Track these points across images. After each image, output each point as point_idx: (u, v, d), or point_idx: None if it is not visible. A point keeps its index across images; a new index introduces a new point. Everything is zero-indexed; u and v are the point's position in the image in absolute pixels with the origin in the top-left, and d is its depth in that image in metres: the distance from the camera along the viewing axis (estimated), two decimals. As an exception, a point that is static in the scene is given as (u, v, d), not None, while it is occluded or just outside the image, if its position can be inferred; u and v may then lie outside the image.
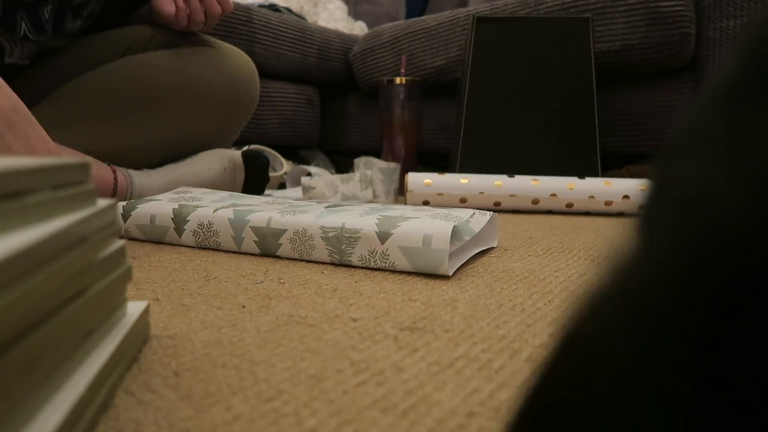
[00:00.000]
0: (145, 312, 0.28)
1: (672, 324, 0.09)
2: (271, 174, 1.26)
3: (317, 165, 1.67)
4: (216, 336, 0.29)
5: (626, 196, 0.89)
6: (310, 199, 1.10)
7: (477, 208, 0.93)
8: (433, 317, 0.33)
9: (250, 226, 0.52)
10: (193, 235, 0.55)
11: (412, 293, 0.38)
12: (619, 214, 0.92)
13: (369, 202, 1.08)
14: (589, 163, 1.10)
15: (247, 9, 1.42)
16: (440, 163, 1.70)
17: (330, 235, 0.48)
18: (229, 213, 0.53)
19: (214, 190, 0.68)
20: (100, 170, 0.74)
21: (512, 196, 0.91)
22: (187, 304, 0.35)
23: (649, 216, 0.11)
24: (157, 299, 0.36)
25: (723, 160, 0.10)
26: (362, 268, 0.46)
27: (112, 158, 0.79)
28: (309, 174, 1.36)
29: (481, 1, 2.04)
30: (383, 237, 0.45)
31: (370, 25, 2.18)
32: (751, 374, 0.08)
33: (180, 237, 0.56)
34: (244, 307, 0.35)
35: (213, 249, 0.55)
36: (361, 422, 0.20)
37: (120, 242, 0.25)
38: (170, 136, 0.85)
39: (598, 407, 0.09)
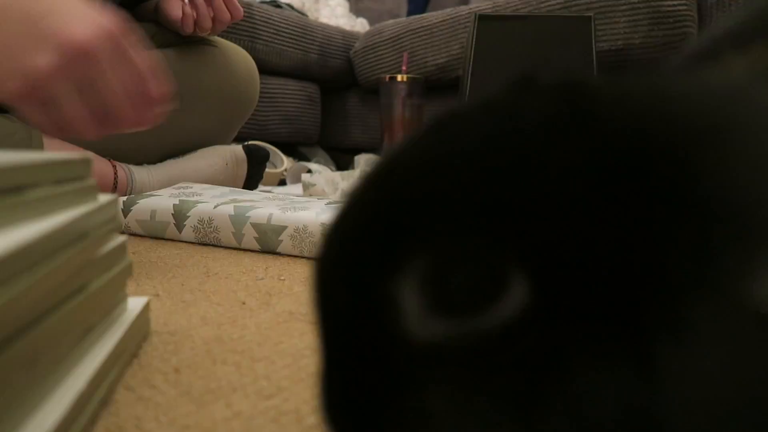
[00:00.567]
0: (146, 308, 0.28)
1: None
2: (271, 170, 1.25)
3: (318, 162, 1.67)
4: (216, 332, 0.29)
5: (627, 196, 0.88)
6: (311, 196, 1.10)
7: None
8: (433, 315, 0.33)
9: (250, 223, 0.52)
10: (193, 230, 0.55)
11: (413, 291, 0.38)
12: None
13: None
14: (590, 162, 1.10)
15: (248, 5, 1.42)
16: (441, 161, 1.69)
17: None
18: (229, 209, 0.53)
19: (215, 186, 0.68)
20: (101, 165, 0.73)
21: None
22: (187, 300, 0.35)
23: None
24: (158, 295, 0.36)
25: None
26: None
27: (112, 154, 0.79)
28: (309, 171, 1.36)
29: (482, -1, 2.03)
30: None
31: (371, 22, 2.18)
32: None
33: (180, 233, 0.56)
34: (244, 303, 0.35)
35: (213, 245, 0.55)
36: (362, 420, 0.20)
37: (121, 238, 0.25)
38: (170, 133, 0.85)
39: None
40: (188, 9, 0.79)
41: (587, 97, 0.12)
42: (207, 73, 0.86)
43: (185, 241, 0.56)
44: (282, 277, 0.42)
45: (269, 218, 0.51)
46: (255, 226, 0.51)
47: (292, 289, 0.39)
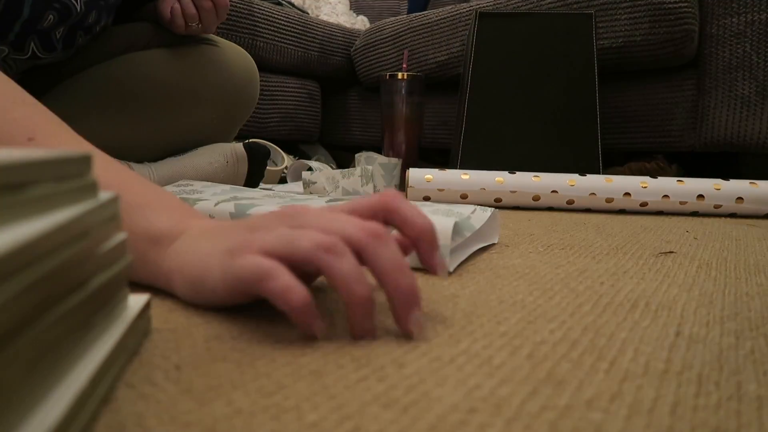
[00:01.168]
0: (147, 305, 0.28)
1: None
2: (271, 168, 1.25)
3: (318, 160, 1.67)
4: (217, 330, 0.29)
5: (627, 194, 0.88)
6: (311, 193, 1.10)
7: (478, 204, 0.93)
8: (434, 313, 0.33)
9: None
10: None
11: (413, 289, 0.38)
12: (621, 212, 0.92)
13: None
14: (591, 159, 1.10)
15: (249, 2, 1.42)
16: (441, 159, 1.70)
17: None
18: (230, 206, 0.53)
19: (216, 183, 0.68)
20: None
21: (513, 192, 0.91)
22: (187, 297, 0.35)
23: None
24: (158, 293, 0.36)
25: None
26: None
27: (112, 152, 0.79)
28: (310, 169, 1.36)
29: (483, -3, 2.02)
30: None
31: (372, 20, 2.17)
32: None
33: None
34: (244, 301, 0.35)
35: None
36: (362, 417, 0.20)
37: (121, 235, 0.25)
38: (170, 132, 0.85)
39: None
40: (177, 6, 0.79)
41: None
42: (207, 72, 0.86)
43: None
44: (282, 275, 0.42)
45: None
46: None
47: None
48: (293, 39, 1.55)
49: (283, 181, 1.36)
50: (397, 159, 1.16)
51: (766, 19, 1.12)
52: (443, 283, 0.40)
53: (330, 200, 0.56)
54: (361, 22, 2.11)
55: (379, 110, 1.44)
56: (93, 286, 0.21)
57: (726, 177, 0.92)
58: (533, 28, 1.14)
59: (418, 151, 1.40)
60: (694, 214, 0.90)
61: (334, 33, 1.68)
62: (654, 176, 0.91)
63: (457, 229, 0.48)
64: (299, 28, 1.56)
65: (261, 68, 1.42)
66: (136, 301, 0.27)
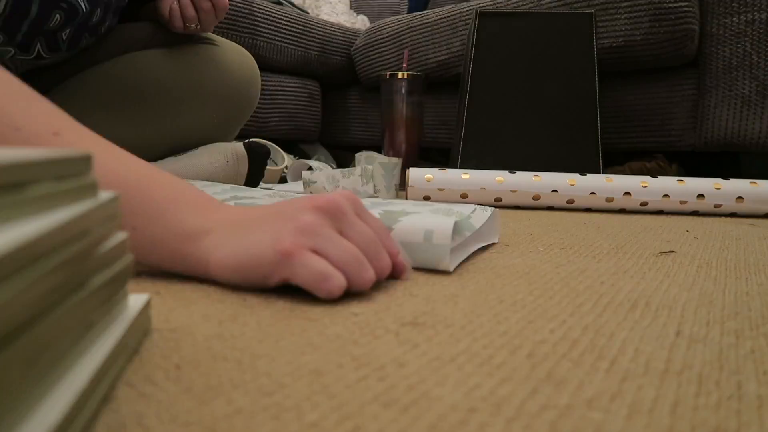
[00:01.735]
0: (147, 305, 0.28)
1: None
2: (272, 168, 1.25)
3: (318, 159, 1.67)
4: (217, 329, 0.29)
5: (627, 193, 0.88)
6: (311, 193, 1.10)
7: (478, 204, 0.93)
8: (434, 312, 0.33)
9: None
10: None
11: (413, 288, 0.38)
12: (621, 211, 0.92)
13: (370, 196, 1.08)
14: (591, 159, 1.10)
15: (249, 2, 1.42)
16: (441, 159, 1.70)
17: None
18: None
19: (216, 183, 0.68)
20: None
21: (513, 192, 0.91)
22: (188, 297, 0.35)
23: None
24: (158, 292, 0.36)
25: None
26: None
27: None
28: (310, 168, 1.36)
29: (483, -4, 2.02)
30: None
31: (372, 19, 2.17)
32: None
33: None
34: (245, 300, 0.35)
35: None
36: (363, 417, 0.20)
37: (121, 235, 0.25)
38: (171, 132, 0.85)
39: None
40: (176, 6, 0.79)
41: None
42: (208, 71, 0.86)
43: None
44: (283, 274, 0.42)
45: None
46: None
47: (292, 286, 0.39)
48: (293, 38, 1.54)
49: (283, 180, 1.36)
50: (397, 158, 1.16)
51: (766, 18, 1.12)
52: (443, 282, 0.41)
53: None
54: (361, 22, 2.11)
55: (379, 110, 1.44)
56: (93, 286, 0.21)
57: (726, 176, 0.92)
58: (533, 27, 1.14)
59: (419, 150, 1.40)
60: (695, 213, 0.90)
61: (334, 32, 1.68)
62: (654, 176, 0.91)
63: (457, 229, 0.48)
64: (299, 27, 1.56)
65: (261, 68, 1.42)
66: (136, 300, 0.27)
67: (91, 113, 0.78)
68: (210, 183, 0.68)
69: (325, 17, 1.98)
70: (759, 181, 0.87)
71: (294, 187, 1.19)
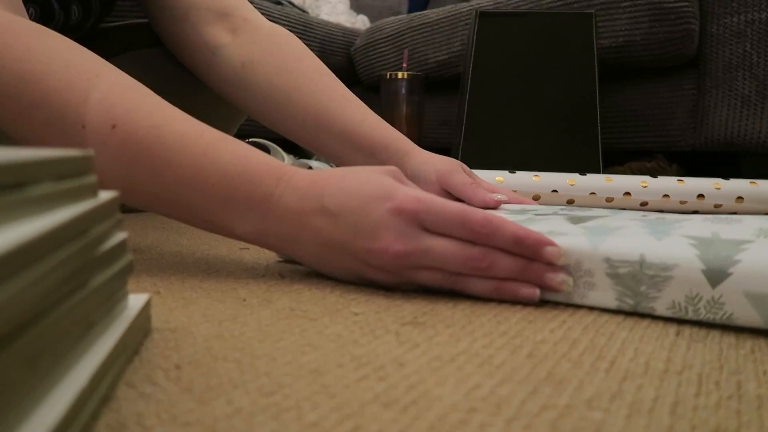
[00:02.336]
0: (147, 305, 0.28)
1: None
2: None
3: (318, 159, 1.66)
4: (217, 329, 0.29)
5: (627, 193, 0.88)
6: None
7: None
8: (434, 312, 0.33)
9: None
10: None
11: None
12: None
13: None
14: (591, 158, 1.10)
15: (249, 2, 1.42)
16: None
17: (622, 271, 0.33)
18: None
19: None
20: None
21: (513, 192, 0.91)
22: (188, 297, 0.35)
23: None
24: (158, 292, 0.36)
25: None
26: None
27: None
28: (310, 167, 1.36)
29: (483, -4, 2.02)
30: (716, 277, 0.31)
31: (372, 19, 2.17)
32: None
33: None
34: (245, 300, 0.35)
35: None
36: (363, 417, 0.20)
37: (121, 235, 0.25)
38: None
39: None
40: None
41: None
42: None
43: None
44: (282, 275, 0.42)
45: None
46: None
47: (293, 287, 0.39)
48: (293, 38, 1.54)
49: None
50: (397, 158, 1.16)
51: (766, 18, 1.12)
52: (443, 282, 0.40)
53: (568, 216, 0.44)
54: (361, 22, 2.11)
55: (379, 110, 1.45)
56: (93, 286, 0.21)
57: (726, 176, 0.92)
58: (534, 27, 1.14)
59: (419, 150, 1.40)
60: (695, 213, 0.90)
61: (334, 32, 1.68)
62: (654, 175, 0.91)
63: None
64: (299, 27, 1.56)
65: (261, 68, 1.42)
66: (136, 300, 0.27)
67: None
68: None
69: (325, 17, 1.98)
70: (759, 181, 0.87)
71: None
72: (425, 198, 0.35)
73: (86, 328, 0.21)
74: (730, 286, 0.30)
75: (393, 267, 0.35)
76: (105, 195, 0.23)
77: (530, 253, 0.34)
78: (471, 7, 1.43)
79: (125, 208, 0.81)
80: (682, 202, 0.88)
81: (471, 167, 1.10)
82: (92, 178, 0.22)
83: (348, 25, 1.97)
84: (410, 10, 2.05)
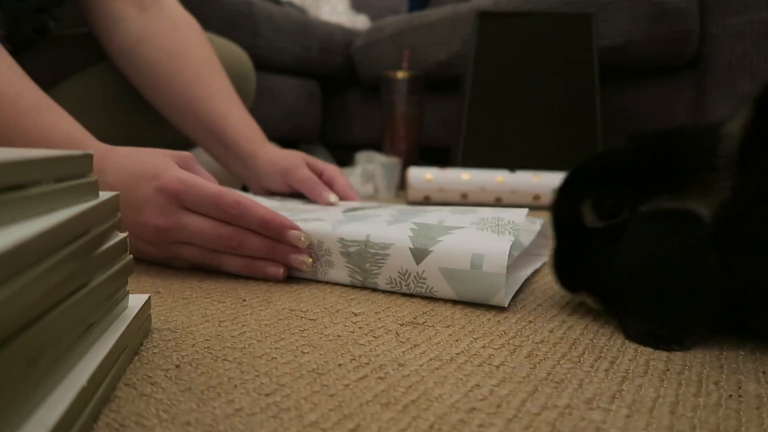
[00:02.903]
0: (147, 305, 0.28)
1: None
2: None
3: (318, 159, 1.66)
4: (217, 329, 0.29)
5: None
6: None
7: (479, 204, 0.93)
8: (433, 312, 0.33)
9: None
10: None
11: (413, 288, 0.38)
12: (620, 211, 0.92)
13: (371, 197, 1.08)
14: (591, 159, 1.10)
15: (249, 2, 1.42)
16: (441, 158, 1.70)
17: (352, 250, 0.38)
18: None
19: None
20: None
21: (513, 192, 0.91)
22: (188, 297, 0.35)
23: None
24: (158, 292, 0.36)
25: None
26: (390, 293, 0.38)
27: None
28: (310, 168, 1.36)
29: (483, -4, 2.02)
30: (420, 255, 0.36)
31: (372, 19, 2.17)
32: None
33: None
34: (245, 300, 0.35)
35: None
36: (362, 417, 0.20)
37: (121, 235, 0.25)
38: (167, 129, 0.85)
39: None
40: None
41: None
42: None
43: None
44: (283, 274, 0.42)
45: None
46: None
47: (293, 287, 0.39)
48: (293, 38, 1.54)
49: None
50: (397, 158, 1.16)
51: (766, 18, 1.12)
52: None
53: (348, 209, 0.47)
54: (361, 21, 2.11)
55: (379, 110, 1.44)
56: (93, 286, 0.21)
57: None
58: (534, 27, 1.14)
59: (419, 150, 1.40)
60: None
61: (334, 32, 1.68)
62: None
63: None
64: (299, 27, 1.56)
65: (261, 68, 1.42)
66: (136, 300, 0.27)
67: (89, 112, 0.78)
68: (250, 196, 0.64)
69: (325, 17, 1.98)
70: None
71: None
72: (188, 179, 0.38)
73: (86, 327, 0.21)
74: (430, 263, 0.35)
75: (157, 241, 0.40)
76: (105, 195, 0.23)
77: (275, 235, 0.39)
78: (471, 7, 1.43)
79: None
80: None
81: (471, 167, 1.10)
82: (92, 179, 0.22)
83: (348, 24, 1.97)
84: (410, 10, 2.05)
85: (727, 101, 1.18)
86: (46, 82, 0.79)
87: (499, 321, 0.32)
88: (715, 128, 0.28)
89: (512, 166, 1.10)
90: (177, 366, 0.24)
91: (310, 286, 0.39)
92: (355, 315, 0.32)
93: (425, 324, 0.31)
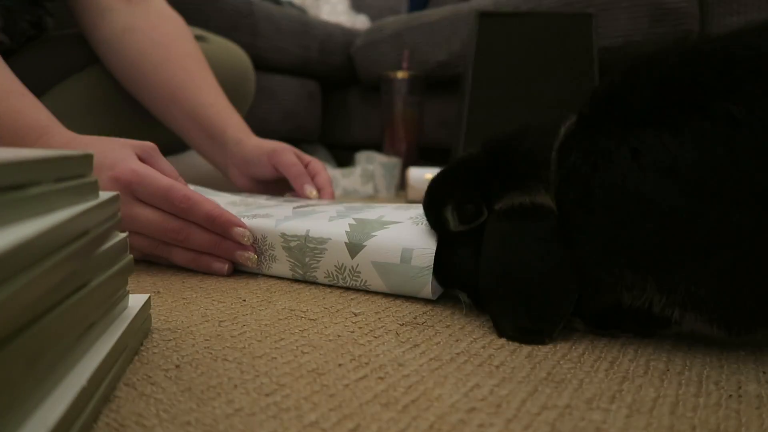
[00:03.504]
0: (147, 305, 0.28)
1: None
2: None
3: (318, 159, 1.66)
4: (217, 329, 0.29)
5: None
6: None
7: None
8: (433, 312, 0.33)
9: None
10: None
11: (413, 288, 0.38)
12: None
13: (369, 196, 1.08)
14: (591, 159, 1.10)
15: (249, 2, 1.42)
16: (441, 158, 1.70)
17: (292, 244, 0.39)
18: None
19: (219, 193, 0.67)
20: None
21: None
22: (188, 297, 0.35)
23: None
24: (158, 292, 0.36)
25: None
26: (329, 285, 0.39)
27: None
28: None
29: (483, -4, 2.02)
30: (354, 249, 0.37)
31: (372, 19, 2.17)
32: None
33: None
34: (245, 300, 0.35)
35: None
36: (362, 417, 0.20)
37: (121, 235, 0.25)
38: (169, 130, 0.85)
39: None
40: None
41: None
42: None
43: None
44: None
45: None
46: None
47: (293, 287, 0.39)
48: (293, 38, 1.54)
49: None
50: (397, 158, 1.16)
51: (766, 18, 1.12)
52: (443, 282, 0.40)
53: (299, 206, 0.48)
54: (361, 21, 2.11)
55: (379, 110, 1.44)
56: (93, 286, 0.21)
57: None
58: (534, 27, 1.14)
59: (419, 150, 1.40)
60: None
61: (334, 32, 1.68)
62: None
63: None
64: (299, 27, 1.56)
65: (261, 68, 1.42)
66: (136, 300, 0.27)
67: (88, 113, 0.78)
68: (215, 192, 0.64)
69: (325, 17, 1.98)
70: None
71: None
72: (141, 171, 0.39)
73: (86, 327, 0.21)
74: (363, 257, 0.36)
75: None
76: (104, 195, 0.23)
77: (221, 231, 0.40)
78: (471, 7, 1.43)
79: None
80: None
81: (471, 167, 1.09)
82: (92, 179, 0.22)
83: (348, 24, 1.97)
84: (410, 10, 2.05)
85: (727, 101, 1.18)
86: (46, 81, 0.79)
87: (499, 321, 0.32)
88: (556, 125, 0.31)
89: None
90: (177, 366, 0.24)
91: (311, 286, 0.39)
92: (355, 315, 0.32)
93: (425, 324, 0.31)
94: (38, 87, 0.78)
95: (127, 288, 0.26)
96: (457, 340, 0.28)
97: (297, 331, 0.29)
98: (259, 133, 0.74)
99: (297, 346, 0.27)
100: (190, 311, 0.32)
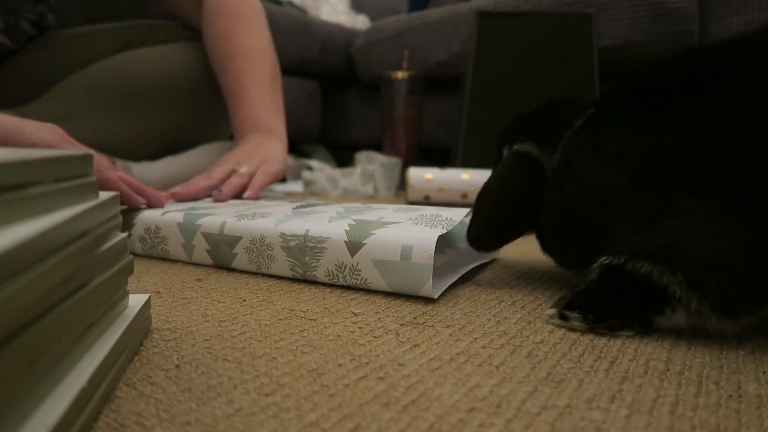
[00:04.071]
0: (147, 305, 0.28)
1: None
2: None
3: (318, 159, 1.67)
4: (217, 329, 0.29)
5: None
6: (311, 193, 1.09)
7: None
8: (433, 312, 0.33)
9: (201, 232, 0.43)
10: (139, 241, 0.47)
11: (413, 288, 0.38)
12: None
13: (369, 196, 1.08)
14: (591, 159, 1.10)
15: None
16: (441, 158, 1.70)
17: (292, 244, 0.39)
18: (179, 216, 0.45)
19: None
20: (99, 162, 0.74)
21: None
22: (188, 297, 0.35)
23: None
24: (158, 292, 0.36)
25: None
26: (329, 285, 0.39)
27: (111, 151, 0.79)
28: (310, 168, 1.36)
29: (483, -4, 2.02)
30: (354, 248, 0.37)
31: (372, 19, 2.17)
32: None
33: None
34: (245, 300, 0.35)
35: (162, 258, 0.47)
36: (362, 417, 0.20)
37: (121, 235, 0.25)
38: (169, 129, 0.85)
39: None
40: None
41: None
42: (203, 69, 0.86)
43: (134, 253, 0.49)
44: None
45: (222, 227, 0.43)
46: (206, 236, 0.43)
47: (293, 287, 0.39)
48: (293, 38, 1.54)
49: (282, 180, 1.36)
50: (397, 158, 1.16)
51: (766, 19, 1.12)
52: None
53: (299, 206, 0.49)
54: (361, 22, 2.11)
55: (379, 109, 1.44)
56: (93, 286, 0.21)
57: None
58: (534, 27, 1.14)
59: (419, 150, 1.40)
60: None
61: (334, 32, 1.68)
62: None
63: (447, 241, 0.44)
64: (299, 27, 1.56)
65: (261, 67, 1.41)
66: (136, 300, 0.27)
67: (91, 110, 0.78)
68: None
69: (325, 17, 1.98)
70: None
71: (294, 187, 1.19)
72: (38, 144, 0.44)
73: (86, 327, 0.21)
74: (363, 255, 0.36)
75: None
76: (104, 195, 0.23)
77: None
78: (471, 7, 1.43)
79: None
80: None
81: (471, 167, 1.10)
82: (92, 179, 0.22)
83: (348, 24, 1.97)
84: (410, 10, 2.05)
85: (727, 101, 1.18)
86: (47, 80, 0.80)
87: (499, 321, 0.32)
88: (587, 104, 0.36)
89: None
90: (177, 366, 0.24)
91: (311, 286, 0.39)
92: (355, 315, 0.32)
93: (425, 324, 0.31)
94: (40, 86, 0.78)
95: (127, 288, 0.26)
96: (457, 340, 0.28)
97: (297, 331, 0.29)
98: (259, 133, 0.74)
99: (297, 346, 0.27)
100: (190, 311, 0.32)
